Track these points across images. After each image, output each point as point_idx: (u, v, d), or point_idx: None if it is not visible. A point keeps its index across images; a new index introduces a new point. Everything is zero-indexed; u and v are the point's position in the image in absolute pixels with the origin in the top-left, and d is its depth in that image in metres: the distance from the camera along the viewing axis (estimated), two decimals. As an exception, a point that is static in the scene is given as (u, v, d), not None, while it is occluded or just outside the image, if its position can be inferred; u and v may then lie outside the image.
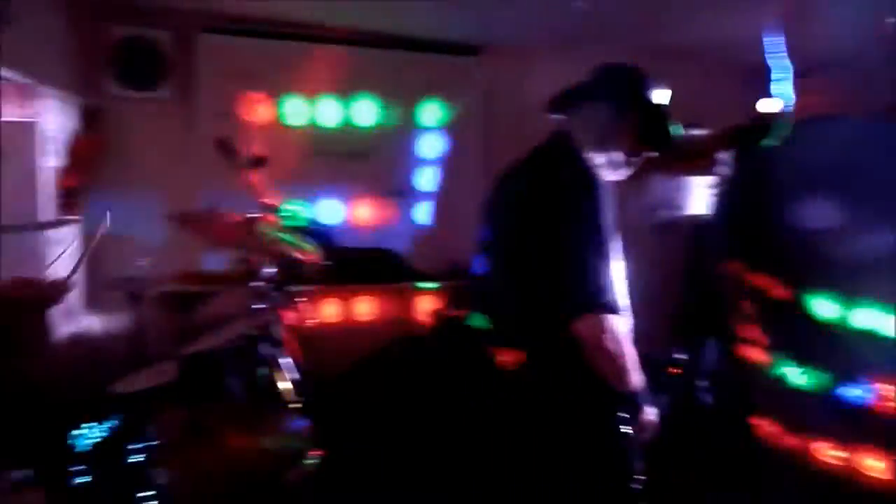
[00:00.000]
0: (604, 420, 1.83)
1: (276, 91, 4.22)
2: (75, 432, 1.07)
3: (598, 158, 1.97)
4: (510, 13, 3.95)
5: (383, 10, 3.92)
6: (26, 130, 3.13)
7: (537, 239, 1.83)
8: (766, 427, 1.20)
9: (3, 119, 2.68)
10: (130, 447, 1.15)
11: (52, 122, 3.29)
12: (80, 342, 3.74)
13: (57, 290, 2.29)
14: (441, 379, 3.69)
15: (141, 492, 1.12)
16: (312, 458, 2.30)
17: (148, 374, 2.52)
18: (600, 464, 1.85)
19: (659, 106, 2.06)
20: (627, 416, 1.82)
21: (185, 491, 1.53)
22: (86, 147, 3.67)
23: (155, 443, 1.22)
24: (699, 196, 3.87)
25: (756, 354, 1.21)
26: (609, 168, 2.03)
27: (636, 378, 1.78)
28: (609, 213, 1.81)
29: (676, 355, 3.28)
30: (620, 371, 1.75)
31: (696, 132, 4.79)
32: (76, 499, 1.02)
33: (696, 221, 3.53)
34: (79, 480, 1.02)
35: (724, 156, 3.20)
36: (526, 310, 1.89)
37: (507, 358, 1.90)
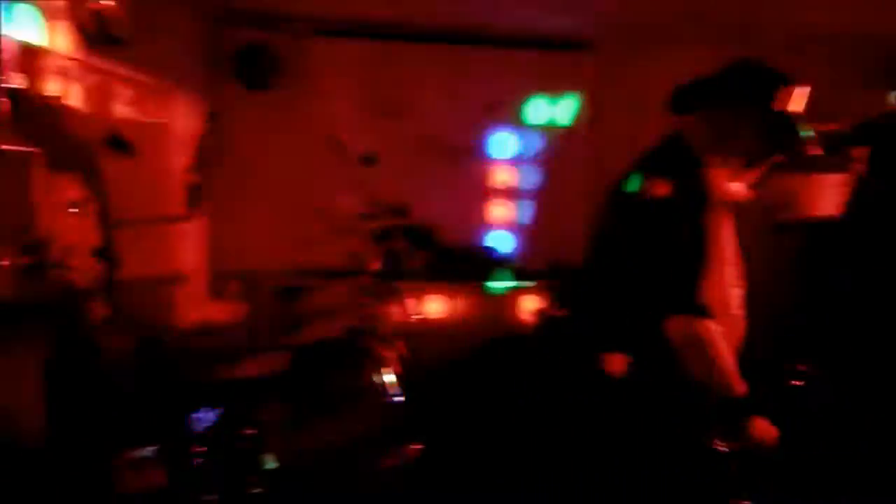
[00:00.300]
0: (699, 430, 1.75)
1: (388, 90, 4.30)
2: (194, 415, 1.14)
3: (716, 162, 1.85)
4: (624, 4, 3.82)
5: (494, 6, 3.91)
6: (161, 130, 3.37)
7: (641, 242, 1.79)
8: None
9: (142, 120, 2.90)
10: (239, 431, 1.21)
11: (181, 122, 3.53)
12: (202, 328, 4.00)
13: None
14: (542, 379, 3.65)
15: (248, 474, 1.18)
16: (412, 450, 2.34)
17: (260, 362, 2.66)
18: (691, 474, 1.77)
19: (792, 110, 1.86)
20: (726, 427, 1.73)
21: (287, 475, 1.60)
22: (210, 146, 3.91)
23: (261, 428, 1.28)
24: (825, 196, 3.58)
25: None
26: (727, 173, 1.89)
27: (734, 386, 1.69)
28: (715, 221, 1.74)
29: (799, 365, 3.07)
30: (713, 377, 1.68)
31: (825, 128, 4.45)
32: (193, 477, 1.08)
33: (820, 223, 3.28)
34: (195, 460, 1.09)
35: (855, 153, 2.95)
36: (632, 314, 1.83)
37: (612, 362, 1.85)
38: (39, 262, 1.34)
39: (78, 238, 2.51)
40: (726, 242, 1.82)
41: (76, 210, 2.51)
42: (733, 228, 1.85)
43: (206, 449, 1.17)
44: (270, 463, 1.21)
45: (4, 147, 1.26)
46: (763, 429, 1.73)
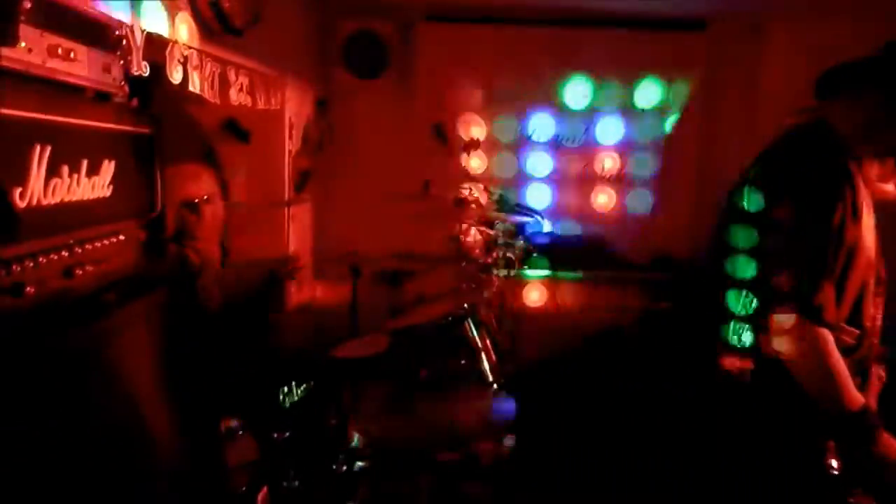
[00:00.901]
0: (812, 445, 1.62)
1: (493, 76, 4.26)
2: (283, 389, 1.17)
3: (866, 155, 1.68)
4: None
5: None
6: (274, 118, 3.51)
7: (770, 239, 1.66)
8: None
9: (257, 108, 3.02)
10: (327, 408, 1.24)
11: (292, 109, 3.65)
12: (308, 309, 4.15)
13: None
14: (641, 374, 3.52)
15: (336, 450, 1.20)
16: (508, 439, 2.31)
17: (361, 344, 2.71)
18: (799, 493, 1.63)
19: None
20: (840, 444, 1.59)
21: (381, 457, 1.63)
22: (317, 132, 4.03)
23: (351, 408, 1.30)
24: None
25: None
26: (873, 170, 1.71)
27: (848, 401, 1.53)
28: (865, 222, 1.59)
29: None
30: (825, 390, 1.55)
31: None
32: (281, 450, 1.11)
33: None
34: (282, 433, 1.12)
35: None
36: (757, 317, 1.70)
37: (732, 363, 1.73)
38: (160, 239, 1.41)
39: (205, 226, 2.66)
40: (869, 245, 1.64)
41: (206, 199, 2.65)
42: (875, 230, 1.68)
43: (291, 422, 1.19)
44: (357, 443, 1.22)
45: (130, 129, 1.33)
46: (887, 448, 1.55)
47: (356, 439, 1.24)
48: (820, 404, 1.55)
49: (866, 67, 1.69)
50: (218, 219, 2.77)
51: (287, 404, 1.15)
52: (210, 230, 2.73)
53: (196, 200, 2.62)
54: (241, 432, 1.12)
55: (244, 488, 1.07)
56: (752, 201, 1.72)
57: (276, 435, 1.12)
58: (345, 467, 1.15)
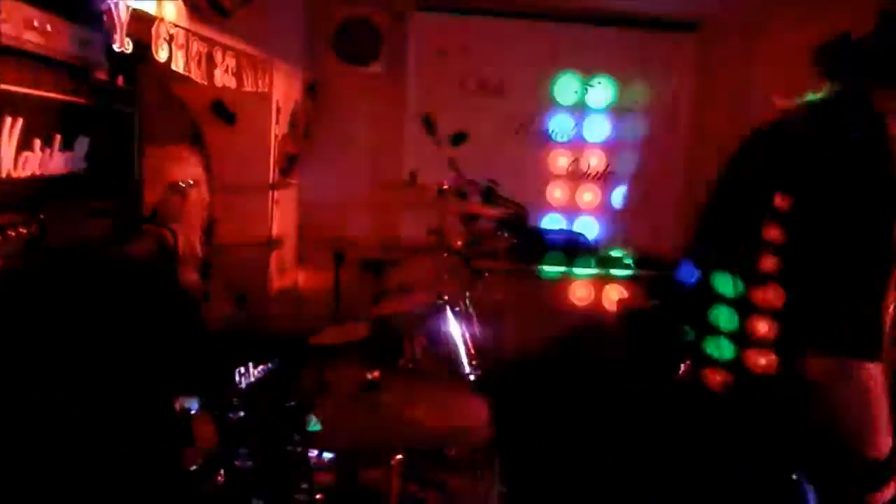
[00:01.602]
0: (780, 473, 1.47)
1: (483, 68, 4.26)
2: (240, 370, 1.17)
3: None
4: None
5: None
6: (261, 101, 3.49)
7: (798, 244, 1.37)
8: None
9: (242, 89, 3.00)
10: (286, 391, 1.23)
11: (280, 93, 3.63)
12: (290, 294, 4.15)
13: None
14: (621, 375, 3.54)
15: (292, 432, 1.20)
16: (478, 432, 2.31)
17: (340, 331, 2.71)
18: None
19: None
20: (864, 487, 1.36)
21: (347, 443, 1.64)
22: (305, 117, 4.01)
23: (312, 390, 1.30)
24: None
25: None
26: None
27: (878, 447, 1.31)
28: None
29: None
30: (860, 432, 1.31)
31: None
32: (237, 431, 1.12)
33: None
34: (236, 414, 1.12)
35: None
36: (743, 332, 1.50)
37: (713, 376, 1.60)
38: (135, 218, 1.40)
39: (190, 209, 2.65)
40: None
41: (192, 184, 2.64)
42: None
43: (246, 404, 1.19)
44: (315, 425, 1.23)
45: (108, 105, 1.32)
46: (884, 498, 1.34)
47: (313, 422, 1.24)
48: (841, 443, 1.33)
49: (871, 40, 1.45)
50: (202, 203, 2.76)
51: (243, 385, 1.15)
52: (194, 214, 2.72)
53: (182, 184, 2.61)
54: (196, 412, 1.13)
55: (195, 467, 1.08)
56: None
57: (230, 415, 1.12)
58: (299, 449, 1.16)
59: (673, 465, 1.74)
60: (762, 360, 1.42)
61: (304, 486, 1.18)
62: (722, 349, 1.52)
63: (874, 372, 1.28)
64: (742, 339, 1.46)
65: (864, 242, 1.29)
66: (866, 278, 1.29)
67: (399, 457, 1.95)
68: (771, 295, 1.40)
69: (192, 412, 1.10)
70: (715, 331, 1.52)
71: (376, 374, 1.97)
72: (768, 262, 1.40)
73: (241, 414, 1.13)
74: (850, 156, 1.32)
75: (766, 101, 1.77)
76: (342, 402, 1.80)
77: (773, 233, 1.38)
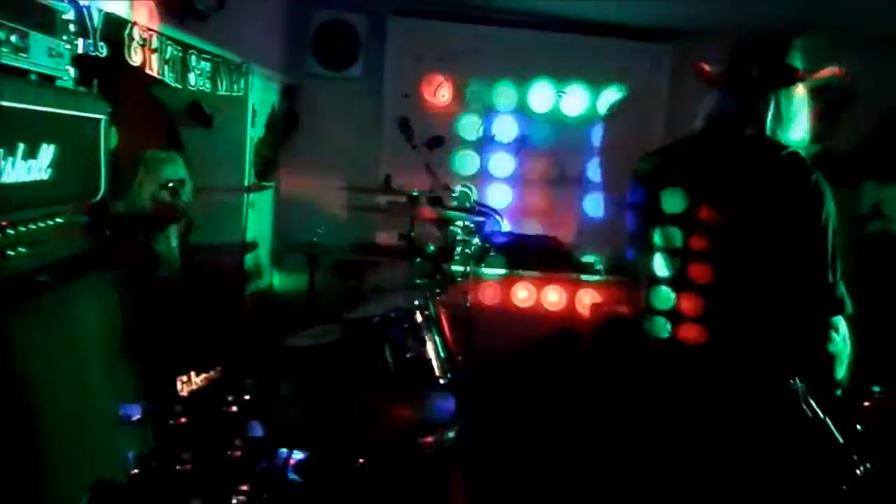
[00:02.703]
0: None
1: (459, 74, 4.30)
2: (180, 377, 1.19)
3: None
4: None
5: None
6: (237, 104, 3.50)
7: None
8: None
9: (219, 93, 3.01)
10: (229, 397, 1.26)
11: (256, 97, 3.65)
12: (265, 297, 4.16)
13: None
14: (593, 380, 3.59)
15: (234, 439, 1.23)
16: (450, 433, 2.35)
17: (312, 334, 2.74)
18: None
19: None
20: None
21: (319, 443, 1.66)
22: (282, 120, 4.03)
23: (256, 395, 1.32)
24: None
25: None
26: None
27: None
28: None
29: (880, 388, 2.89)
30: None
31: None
32: (176, 438, 1.14)
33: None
34: (178, 421, 1.15)
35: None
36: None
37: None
38: (102, 223, 1.42)
39: (164, 213, 2.66)
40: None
41: (171, 187, 2.66)
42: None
43: (188, 410, 1.21)
44: (257, 431, 1.25)
45: (75, 113, 1.34)
46: None
47: (257, 428, 1.27)
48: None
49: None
50: (179, 211, 2.78)
51: (185, 392, 1.17)
52: (169, 219, 2.73)
53: (171, 184, 2.63)
54: (138, 418, 1.15)
55: (136, 470, 1.11)
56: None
57: (172, 421, 1.14)
58: (239, 454, 1.19)
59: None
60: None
61: (244, 488, 1.20)
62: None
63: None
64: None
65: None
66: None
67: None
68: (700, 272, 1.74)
69: (134, 419, 1.13)
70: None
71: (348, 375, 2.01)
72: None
73: (183, 420, 1.16)
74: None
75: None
76: (315, 402, 1.83)
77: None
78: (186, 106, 3.38)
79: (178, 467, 1.11)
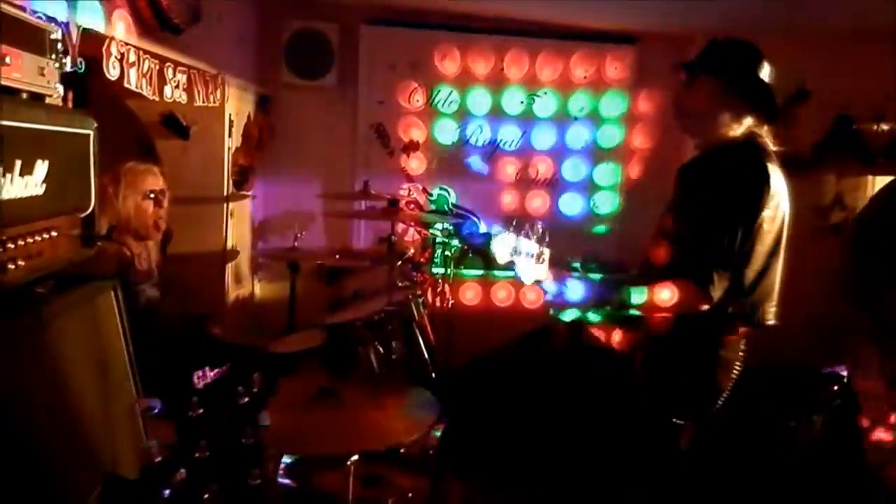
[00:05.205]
0: None
1: (432, 80, 4.37)
2: (197, 373, 1.25)
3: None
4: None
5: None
6: (213, 115, 3.53)
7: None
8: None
9: (195, 105, 3.05)
10: (239, 390, 1.32)
11: (232, 107, 3.68)
12: (246, 304, 4.18)
13: None
14: (573, 380, 3.65)
15: (245, 429, 1.30)
16: (433, 432, 2.41)
17: (295, 339, 2.79)
18: None
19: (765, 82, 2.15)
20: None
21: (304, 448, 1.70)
22: (258, 130, 4.06)
23: (260, 389, 1.38)
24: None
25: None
26: None
27: None
28: None
29: (832, 371, 3.02)
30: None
31: (884, 126, 4.33)
32: (195, 429, 1.19)
33: (863, 226, 3.20)
34: (195, 413, 1.21)
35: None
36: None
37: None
38: (92, 235, 1.46)
39: (146, 223, 2.69)
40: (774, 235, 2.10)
41: (152, 198, 2.69)
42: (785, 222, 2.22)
43: (204, 404, 1.27)
44: (266, 421, 1.31)
45: (65, 129, 1.38)
46: None
47: (265, 418, 1.33)
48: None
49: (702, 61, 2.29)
50: (161, 221, 2.81)
51: (201, 386, 1.23)
52: (151, 229, 2.76)
53: (153, 194, 2.67)
54: (158, 412, 1.20)
55: (158, 460, 1.16)
56: None
57: (190, 413, 1.20)
58: (252, 440, 1.25)
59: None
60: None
61: (256, 472, 1.26)
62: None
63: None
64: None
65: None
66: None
67: (355, 458, 2.05)
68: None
69: (156, 411, 1.18)
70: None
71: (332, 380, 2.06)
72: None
73: (200, 411, 1.21)
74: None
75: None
76: (298, 407, 1.88)
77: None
78: (161, 117, 3.41)
79: (197, 455, 1.17)
